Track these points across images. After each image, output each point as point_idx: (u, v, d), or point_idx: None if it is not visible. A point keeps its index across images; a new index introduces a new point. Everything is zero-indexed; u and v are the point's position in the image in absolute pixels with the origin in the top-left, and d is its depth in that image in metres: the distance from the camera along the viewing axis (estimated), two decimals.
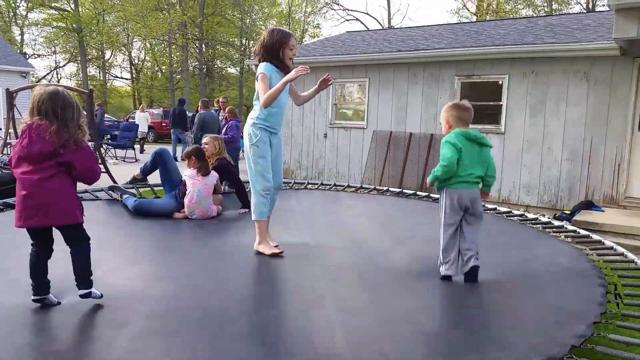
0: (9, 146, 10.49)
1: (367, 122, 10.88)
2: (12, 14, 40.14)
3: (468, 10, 37.30)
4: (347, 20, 40.12)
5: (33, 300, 2.58)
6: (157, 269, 3.31)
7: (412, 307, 2.68)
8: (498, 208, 5.31)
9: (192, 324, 2.37)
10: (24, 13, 40.56)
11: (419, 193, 5.72)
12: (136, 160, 15.52)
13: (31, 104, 2.57)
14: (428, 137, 10.00)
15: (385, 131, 10.55)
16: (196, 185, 4.70)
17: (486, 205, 5.34)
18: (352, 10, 40.11)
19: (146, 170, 5.38)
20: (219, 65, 41.29)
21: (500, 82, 9.35)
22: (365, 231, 4.37)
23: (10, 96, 9.14)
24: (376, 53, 10.64)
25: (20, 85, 18.61)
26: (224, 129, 10.36)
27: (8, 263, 3.17)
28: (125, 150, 15.77)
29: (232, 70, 42.26)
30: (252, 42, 38.91)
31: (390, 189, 5.90)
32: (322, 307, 2.61)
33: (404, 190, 5.80)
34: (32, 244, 2.59)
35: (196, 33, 35.88)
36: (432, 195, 5.55)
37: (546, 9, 33.73)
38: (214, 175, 4.88)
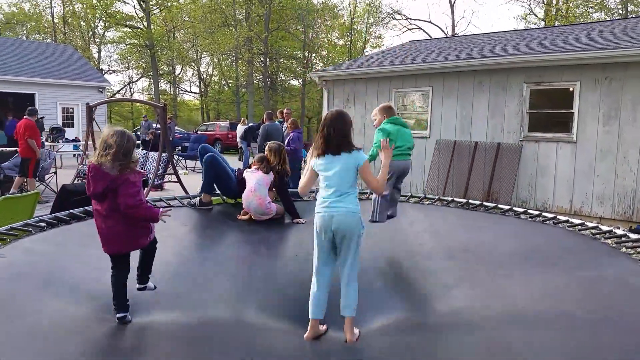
0: (87, 157, 11.17)
1: (430, 131, 10.75)
2: (90, 33, 42.86)
3: (536, 15, 36.06)
4: (410, 29, 39.85)
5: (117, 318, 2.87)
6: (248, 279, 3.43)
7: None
8: (570, 220, 5.09)
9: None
10: (102, 32, 43.21)
11: (486, 204, 5.58)
12: None
13: (100, 141, 2.82)
14: (494, 146, 9.75)
15: (449, 140, 10.38)
16: (255, 176, 5.10)
17: (558, 217, 5.14)
18: (414, 20, 39.77)
19: (205, 187, 5.66)
20: (282, 78, 42.13)
21: (571, 89, 8.99)
22: (425, 243, 4.32)
23: (90, 110, 9.76)
24: (440, 61, 10.51)
25: (97, 100, 19.82)
26: (287, 140, 10.57)
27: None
28: (195, 161, 16.38)
29: (294, 82, 43.01)
30: (314, 54, 39.48)
31: (455, 199, 5.80)
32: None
33: (470, 201, 5.68)
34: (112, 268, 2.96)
35: (261, 47, 36.82)
36: (500, 206, 5.41)
37: (621, 12, 32.06)
38: (272, 175, 5.31)
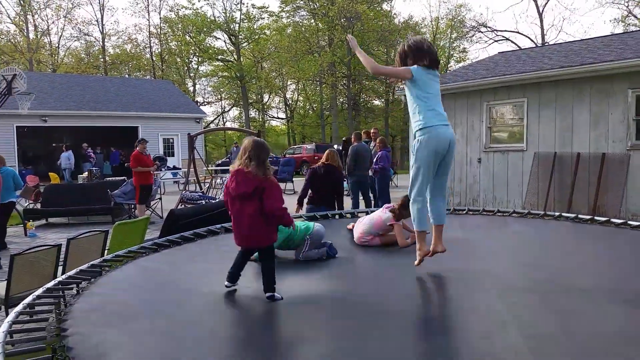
0: (189, 184, 11.81)
1: (526, 143, 10.30)
2: (185, 68, 45.76)
3: (635, 17, 33.68)
4: (496, 41, 38.71)
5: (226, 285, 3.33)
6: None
7: (612, 337, 2.44)
8: None
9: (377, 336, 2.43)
10: (195, 66, 46.01)
11: (597, 218, 5.22)
12: (294, 193, 16.44)
13: (242, 149, 3.22)
14: (599, 157, 9.13)
15: (549, 152, 9.87)
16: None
17: None
18: (501, 31, 38.50)
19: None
20: (365, 99, 42.43)
21: None
22: (540, 257, 4.10)
23: (192, 140, 10.36)
24: (535, 71, 10.10)
25: (195, 130, 21.00)
26: (375, 159, 10.58)
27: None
28: (285, 183, 16.82)
29: (377, 102, 43.12)
30: None
31: (564, 214, 5.47)
32: (507, 333, 2.50)
33: (580, 216, 5.34)
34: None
35: (344, 71, 37.41)
36: (613, 220, 5.04)
37: None
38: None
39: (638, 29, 29.47)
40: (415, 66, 3.42)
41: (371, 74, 3.39)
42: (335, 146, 25.47)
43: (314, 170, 6.96)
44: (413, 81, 3.39)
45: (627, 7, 33.61)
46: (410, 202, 3.55)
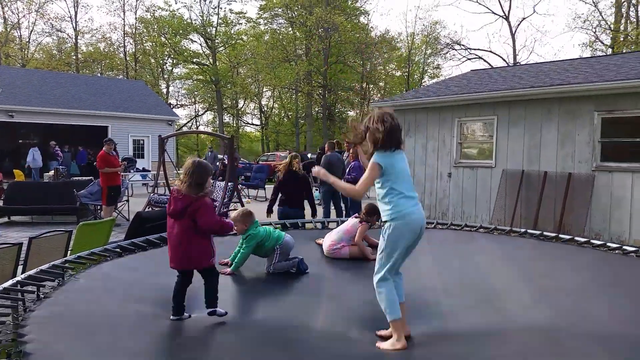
0: (158, 187, 11.64)
1: (495, 160, 10.50)
2: (159, 70, 45.23)
3: (602, 43, 34.83)
4: (470, 59, 39.46)
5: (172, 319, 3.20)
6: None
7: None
8: None
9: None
10: (170, 68, 45.51)
11: (562, 236, 5.34)
12: (266, 200, 16.37)
13: (183, 169, 3.26)
14: (566, 176, 9.37)
15: (517, 170, 10.08)
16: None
17: None
18: (474, 49, 39.30)
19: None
20: (340, 109, 42.69)
21: None
22: (505, 275, 4.16)
23: (162, 142, 10.22)
24: (506, 89, 10.33)
25: (167, 133, 20.73)
26: (348, 169, 10.62)
27: None
28: (257, 190, 16.74)
29: (351, 113, 43.42)
30: (371, 85, 39.83)
31: (529, 231, 5.58)
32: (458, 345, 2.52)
33: (545, 233, 5.45)
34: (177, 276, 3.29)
35: (320, 80, 37.57)
36: (577, 238, 5.16)
37: None
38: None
39: (604, 54, 30.52)
40: (380, 155, 3.19)
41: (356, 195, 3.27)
42: (310, 155, 25.50)
43: (279, 180, 7.43)
44: (383, 173, 3.18)
45: (595, 32, 34.76)
46: (377, 287, 3.17)
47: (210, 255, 3.26)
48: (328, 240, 4.96)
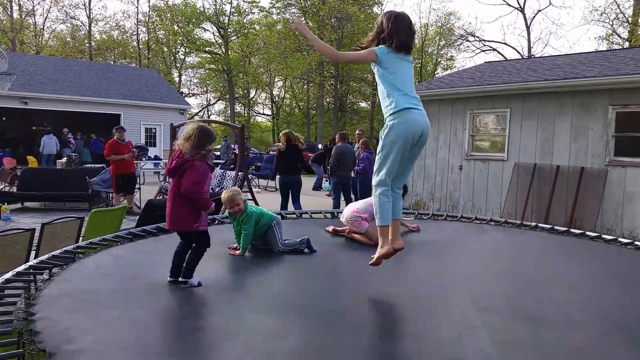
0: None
1: (507, 153, 10.42)
2: (172, 58, 45.33)
3: (619, 36, 34.29)
4: (484, 51, 39.11)
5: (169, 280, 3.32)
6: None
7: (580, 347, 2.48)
8: None
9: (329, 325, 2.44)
10: (182, 57, 45.60)
11: (573, 230, 5.30)
12: (276, 190, 16.41)
13: (184, 131, 3.30)
14: (578, 171, 9.29)
15: (529, 163, 10.00)
16: None
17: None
18: (488, 41, 38.91)
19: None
20: (352, 100, 42.54)
21: None
22: (516, 267, 4.15)
23: (174, 130, 10.25)
24: (520, 82, 10.23)
25: (179, 121, 20.82)
26: (358, 160, 10.61)
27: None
28: (267, 180, 16.78)
29: (363, 104, 43.26)
30: None
31: (540, 225, 5.55)
32: (476, 338, 2.52)
33: (556, 227, 5.42)
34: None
35: (332, 71, 37.42)
36: (588, 233, 5.13)
37: None
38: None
39: (621, 47, 30.06)
40: (381, 47, 3.14)
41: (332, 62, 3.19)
42: (320, 146, 25.44)
43: (279, 152, 9.07)
44: (380, 63, 3.12)
45: (612, 25, 34.22)
46: (374, 190, 3.21)
47: (194, 219, 3.25)
48: (352, 207, 4.81)
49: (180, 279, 3.28)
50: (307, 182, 17.71)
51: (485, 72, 12.64)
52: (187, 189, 3.15)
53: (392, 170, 3.12)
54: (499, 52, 37.88)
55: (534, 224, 5.58)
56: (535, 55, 31.82)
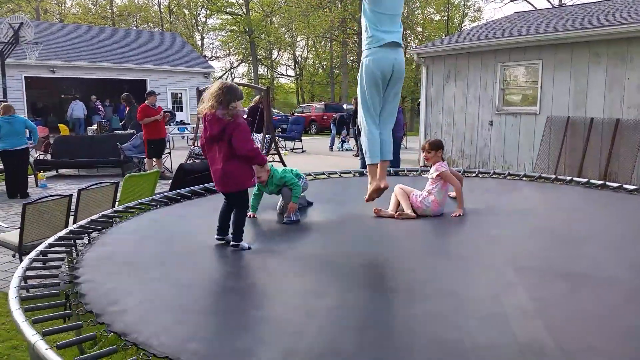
0: (198, 139, 11.78)
1: (539, 107, 10.14)
2: (193, 21, 44.99)
3: None
4: (512, 1, 37.74)
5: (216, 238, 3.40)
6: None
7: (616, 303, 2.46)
8: None
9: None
10: (204, 20, 45.21)
11: (609, 184, 5.18)
12: (302, 151, 16.41)
13: (209, 92, 3.20)
14: (613, 123, 9.00)
15: (562, 117, 9.73)
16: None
17: None
18: None
19: None
20: None
21: None
22: (552, 222, 4.09)
23: (200, 94, 10.24)
24: (552, 32, 9.85)
25: (203, 85, 20.80)
26: None
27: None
28: (293, 142, 16.80)
29: None
30: (409, 31, 38.57)
31: (575, 179, 5.43)
32: (514, 296, 2.52)
33: (592, 181, 5.30)
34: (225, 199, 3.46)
35: (355, 28, 36.61)
36: (625, 186, 5.00)
37: None
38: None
39: None
40: None
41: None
42: (345, 106, 25.19)
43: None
44: None
45: None
46: (361, 128, 3.44)
47: (251, 175, 3.34)
48: (424, 193, 4.12)
49: (232, 243, 3.30)
50: (323, 142, 17.67)
51: (516, 23, 12.19)
52: (244, 149, 3.17)
53: (371, 109, 3.26)
54: (529, 2, 36.47)
55: (569, 178, 5.47)
56: (567, 4, 30.48)
